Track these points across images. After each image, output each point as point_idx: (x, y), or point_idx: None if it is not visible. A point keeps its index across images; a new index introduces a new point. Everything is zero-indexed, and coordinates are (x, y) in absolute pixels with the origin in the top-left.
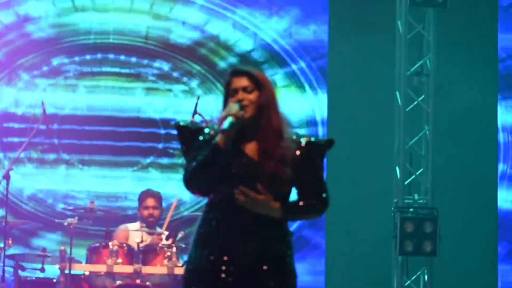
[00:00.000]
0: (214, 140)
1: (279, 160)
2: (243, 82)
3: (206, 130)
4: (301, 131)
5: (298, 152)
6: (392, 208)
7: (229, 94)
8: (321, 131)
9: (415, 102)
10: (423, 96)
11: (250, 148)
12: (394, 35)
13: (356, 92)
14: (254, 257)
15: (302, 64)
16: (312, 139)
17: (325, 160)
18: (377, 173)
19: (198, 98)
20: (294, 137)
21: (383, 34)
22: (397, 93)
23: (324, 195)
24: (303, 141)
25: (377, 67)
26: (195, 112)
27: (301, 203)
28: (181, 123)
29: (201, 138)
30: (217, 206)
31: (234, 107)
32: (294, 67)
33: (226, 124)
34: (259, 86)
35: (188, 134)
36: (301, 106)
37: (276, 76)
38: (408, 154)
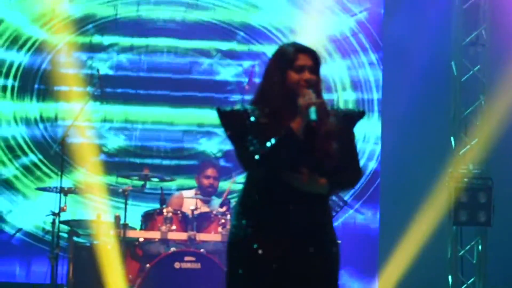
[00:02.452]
0: (289, 127)
1: (326, 136)
2: (309, 61)
3: (250, 114)
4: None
5: (338, 125)
6: (447, 178)
7: (291, 66)
8: (376, 101)
9: (471, 72)
10: (478, 66)
11: (296, 126)
12: (450, 4)
13: (412, 62)
14: (297, 227)
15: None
16: (348, 111)
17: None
18: (432, 142)
19: (254, 66)
20: (330, 109)
21: (439, 3)
22: (453, 63)
23: (359, 167)
24: (341, 113)
25: (433, 37)
26: (250, 81)
27: (343, 177)
28: (222, 109)
29: (248, 123)
30: (259, 181)
31: (313, 95)
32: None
33: (313, 115)
34: (319, 68)
35: (231, 119)
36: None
37: None
38: (463, 124)
